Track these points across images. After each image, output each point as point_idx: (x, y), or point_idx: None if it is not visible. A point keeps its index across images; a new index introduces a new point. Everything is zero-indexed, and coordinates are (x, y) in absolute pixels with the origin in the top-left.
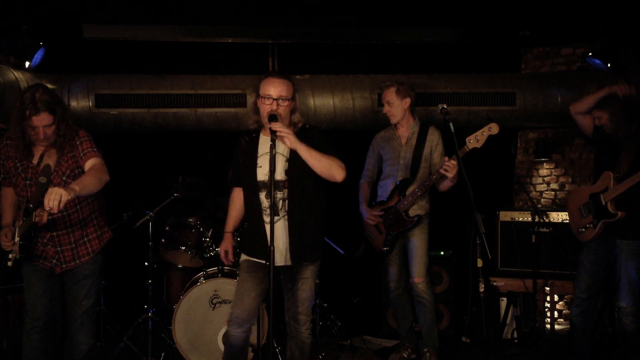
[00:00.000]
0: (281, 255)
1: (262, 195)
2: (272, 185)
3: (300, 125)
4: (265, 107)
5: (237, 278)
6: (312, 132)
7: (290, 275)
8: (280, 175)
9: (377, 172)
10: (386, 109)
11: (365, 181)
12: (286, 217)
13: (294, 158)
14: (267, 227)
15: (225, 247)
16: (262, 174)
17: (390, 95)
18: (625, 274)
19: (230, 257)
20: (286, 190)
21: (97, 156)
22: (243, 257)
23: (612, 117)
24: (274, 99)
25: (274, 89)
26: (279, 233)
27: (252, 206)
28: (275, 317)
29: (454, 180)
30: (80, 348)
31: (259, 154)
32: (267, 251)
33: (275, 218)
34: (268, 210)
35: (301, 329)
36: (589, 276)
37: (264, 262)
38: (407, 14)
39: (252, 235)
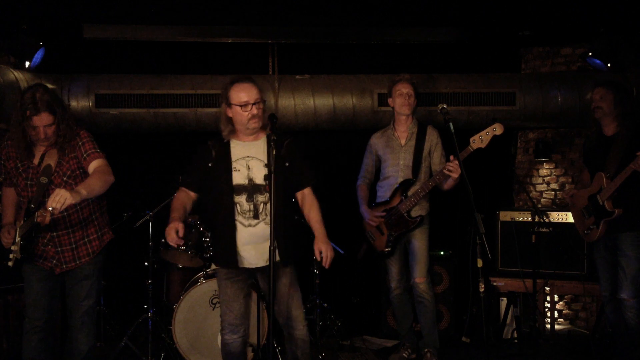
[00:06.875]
0: (261, 257)
1: (242, 199)
2: (272, 187)
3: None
4: (244, 115)
5: (218, 285)
6: (288, 143)
7: (275, 279)
8: (259, 179)
9: (375, 173)
10: (405, 100)
11: (364, 182)
12: (267, 220)
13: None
14: (241, 229)
15: (176, 226)
16: (240, 177)
17: (410, 88)
18: (626, 266)
19: (181, 233)
20: (267, 194)
21: (101, 157)
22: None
23: (615, 101)
24: (252, 104)
25: (248, 94)
26: (260, 235)
27: (222, 210)
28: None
29: (458, 180)
30: (81, 348)
31: (233, 159)
32: (236, 256)
33: (255, 222)
34: (247, 214)
35: (299, 326)
36: (606, 273)
37: (236, 269)
38: (407, 14)
39: (219, 242)
